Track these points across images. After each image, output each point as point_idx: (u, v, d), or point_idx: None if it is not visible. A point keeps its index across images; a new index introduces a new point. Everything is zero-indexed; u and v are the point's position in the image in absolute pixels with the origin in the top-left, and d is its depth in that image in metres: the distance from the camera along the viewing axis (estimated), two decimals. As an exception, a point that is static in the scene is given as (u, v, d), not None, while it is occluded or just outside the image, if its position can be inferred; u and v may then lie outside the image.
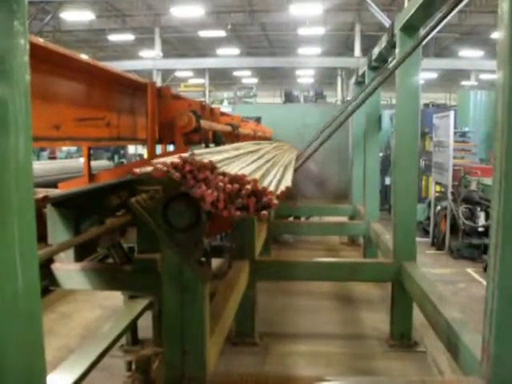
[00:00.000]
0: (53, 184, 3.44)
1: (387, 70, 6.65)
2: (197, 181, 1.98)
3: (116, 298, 5.21)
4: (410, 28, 5.04)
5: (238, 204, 1.94)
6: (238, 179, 1.94)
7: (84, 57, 2.44)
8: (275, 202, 1.94)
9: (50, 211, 3.01)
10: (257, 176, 2.08)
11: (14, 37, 1.26)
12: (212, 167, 1.97)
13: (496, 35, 2.66)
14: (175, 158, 1.99)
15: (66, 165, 11.61)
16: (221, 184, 1.93)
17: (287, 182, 2.30)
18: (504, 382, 2.55)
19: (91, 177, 3.25)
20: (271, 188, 2.02)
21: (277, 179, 2.35)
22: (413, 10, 4.56)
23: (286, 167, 3.04)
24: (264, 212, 1.93)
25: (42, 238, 2.95)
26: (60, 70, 2.46)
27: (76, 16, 20.49)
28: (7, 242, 1.24)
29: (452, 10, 3.53)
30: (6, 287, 1.24)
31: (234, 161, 2.51)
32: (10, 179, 1.26)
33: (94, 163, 4.76)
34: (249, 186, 1.92)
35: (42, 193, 2.73)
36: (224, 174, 1.96)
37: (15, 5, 1.25)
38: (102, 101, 2.92)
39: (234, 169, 2.13)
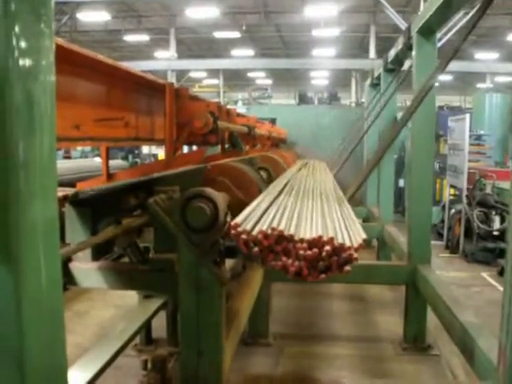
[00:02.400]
0: (68, 183, 3.46)
1: (405, 73, 6.64)
2: (276, 253, 1.98)
3: (130, 297, 5.25)
4: (426, 31, 5.03)
5: (320, 267, 1.94)
6: (316, 242, 1.93)
7: (104, 58, 2.46)
8: (355, 255, 1.93)
9: (68, 210, 3.03)
10: (329, 231, 2.07)
11: (41, 39, 1.28)
12: (289, 237, 1.96)
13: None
14: (255, 231, 1.99)
15: (81, 164, 11.70)
16: (301, 252, 1.93)
17: (359, 231, 2.26)
18: (521, 388, 2.54)
19: (109, 176, 3.28)
20: (346, 239, 2.01)
21: (343, 224, 2.33)
22: (430, 13, 4.56)
23: (339, 201, 3.02)
24: (347, 268, 1.93)
25: (61, 237, 2.97)
26: (80, 70, 2.48)
27: (92, 16, 20.66)
28: (32, 240, 1.26)
29: (485, 11, 3.49)
30: (30, 284, 1.26)
31: (296, 206, 2.52)
32: (36, 179, 1.28)
33: (109, 162, 4.78)
34: (328, 247, 1.91)
35: (60, 192, 2.75)
36: (302, 241, 1.95)
37: (42, 8, 1.27)
38: (121, 101, 2.94)
39: (302, 225, 2.13)
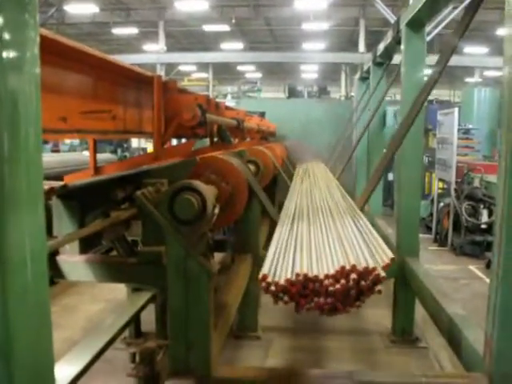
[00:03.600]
0: (56, 177, 3.44)
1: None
2: (306, 296, 1.98)
3: (119, 290, 5.23)
4: (415, 24, 5.03)
5: (353, 295, 1.94)
6: (341, 274, 1.92)
7: (91, 50, 2.44)
8: (383, 275, 1.92)
9: (55, 203, 3.02)
10: (350, 257, 2.05)
11: (25, 30, 1.27)
12: (314, 278, 1.95)
13: (501, 32, 2.66)
14: (282, 280, 1.98)
15: (69, 158, 11.64)
16: (331, 288, 1.92)
17: (383, 248, 2.21)
18: (506, 378, 2.56)
19: (97, 169, 3.26)
20: (369, 260, 1.99)
21: (362, 242, 2.30)
22: (419, 6, 4.56)
23: (351, 213, 2.98)
24: (378, 288, 1.93)
25: (48, 229, 2.96)
26: (67, 62, 2.46)
27: (80, 9, 20.49)
28: (18, 233, 1.25)
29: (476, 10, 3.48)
30: (16, 278, 1.25)
31: (311, 234, 2.51)
32: (21, 170, 1.27)
33: (97, 156, 4.75)
34: (353, 275, 1.91)
35: (46, 185, 2.74)
36: (327, 277, 1.94)
37: (27, -1, 1.26)
38: (108, 94, 2.92)
39: (323, 257, 2.12)
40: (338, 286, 1.92)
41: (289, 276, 2.00)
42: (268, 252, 2.35)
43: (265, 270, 2.10)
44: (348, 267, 1.93)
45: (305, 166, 6.13)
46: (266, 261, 2.22)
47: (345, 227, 2.62)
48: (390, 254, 2.09)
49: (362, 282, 1.92)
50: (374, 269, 1.92)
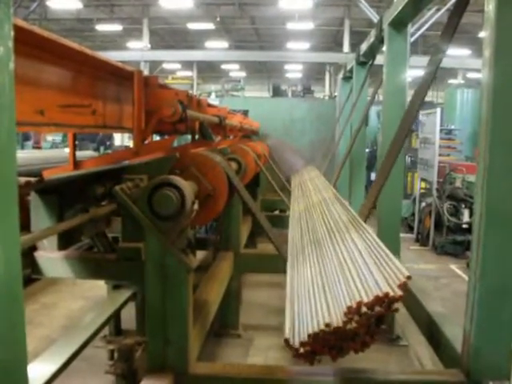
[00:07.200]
0: (37, 174, 3.40)
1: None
2: (330, 348, 1.96)
3: (99, 288, 5.19)
4: (398, 23, 5.06)
5: (373, 323, 1.90)
6: (350, 312, 1.86)
7: (70, 43, 2.41)
8: (399, 294, 1.84)
9: (33, 199, 2.99)
10: (358, 287, 1.98)
11: (-1, 23, 1.25)
12: (329, 329, 1.88)
13: (483, 34, 2.69)
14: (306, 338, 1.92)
15: (50, 154, 11.53)
16: (349, 327, 1.87)
17: (396, 265, 2.14)
18: (483, 375, 2.59)
19: (76, 164, 3.23)
20: (380, 284, 1.93)
21: (371, 262, 2.23)
22: (402, 6, 4.58)
23: (355, 225, 2.92)
24: (395, 307, 1.88)
25: (26, 226, 2.92)
26: (46, 55, 2.43)
27: (63, 4, 20.23)
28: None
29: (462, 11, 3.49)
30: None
31: (318, 273, 2.45)
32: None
33: (79, 153, 4.70)
34: (364, 309, 1.85)
35: (24, 180, 2.70)
36: (337, 327, 1.87)
37: (0, -8, 1.23)
38: (88, 88, 2.89)
39: (328, 296, 2.08)
40: (354, 324, 1.86)
41: (306, 338, 1.92)
42: (286, 308, 2.26)
43: (287, 333, 2.02)
44: (354, 306, 1.86)
45: (298, 179, 6.09)
46: (287, 321, 2.13)
47: (350, 251, 2.51)
48: (405, 271, 1.99)
49: (377, 308, 1.85)
50: (387, 294, 1.85)
